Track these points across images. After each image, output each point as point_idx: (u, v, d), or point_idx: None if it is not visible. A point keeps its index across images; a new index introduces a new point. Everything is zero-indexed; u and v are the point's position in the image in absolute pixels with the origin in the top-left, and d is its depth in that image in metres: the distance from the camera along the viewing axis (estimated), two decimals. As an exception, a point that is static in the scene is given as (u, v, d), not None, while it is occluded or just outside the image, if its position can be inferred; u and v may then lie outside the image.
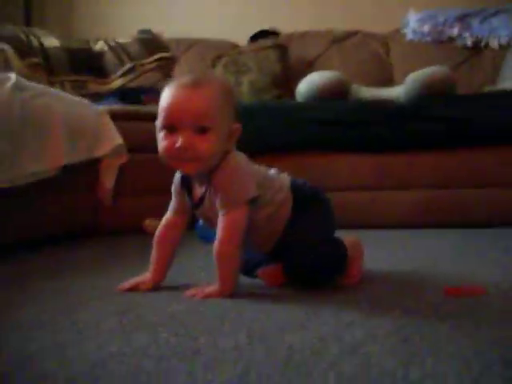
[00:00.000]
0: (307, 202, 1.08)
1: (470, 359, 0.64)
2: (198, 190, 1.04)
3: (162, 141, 0.97)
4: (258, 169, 1.07)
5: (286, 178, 1.11)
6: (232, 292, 1.00)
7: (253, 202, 1.00)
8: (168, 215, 1.11)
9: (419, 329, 0.77)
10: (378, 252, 1.49)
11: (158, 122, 0.98)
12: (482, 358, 0.65)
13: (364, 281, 1.12)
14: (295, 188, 1.09)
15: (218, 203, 0.99)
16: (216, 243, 1.00)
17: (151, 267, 1.10)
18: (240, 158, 1.03)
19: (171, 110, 0.95)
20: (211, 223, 1.06)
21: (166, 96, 0.97)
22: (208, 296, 0.99)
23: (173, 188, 1.10)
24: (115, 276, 1.25)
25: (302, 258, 1.04)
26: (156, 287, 1.08)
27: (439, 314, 0.85)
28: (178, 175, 1.09)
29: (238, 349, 0.70)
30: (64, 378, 0.62)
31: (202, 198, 1.03)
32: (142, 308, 0.94)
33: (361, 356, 0.67)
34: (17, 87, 1.72)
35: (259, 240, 1.07)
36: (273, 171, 1.12)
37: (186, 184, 1.06)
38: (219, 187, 0.99)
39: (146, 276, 1.09)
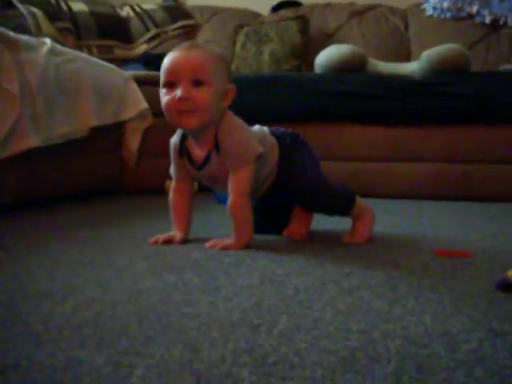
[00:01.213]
0: (290, 144, 1.23)
1: (444, 303, 0.77)
2: (199, 154, 1.16)
3: (164, 98, 1.09)
4: (249, 127, 1.19)
5: (265, 128, 1.24)
6: (247, 244, 1.13)
7: (259, 157, 1.13)
8: (174, 182, 1.24)
9: (407, 280, 0.90)
10: (383, 218, 1.61)
11: (160, 81, 1.10)
12: (454, 303, 0.77)
13: (367, 240, 1.24)
14: (275, 134, 1.23)
15: (227, 163, 1.12)
16: (230, 197, 1.12)
17: (174, 227, 1.23)
18: (238, 120, 1.15)
19: (171, 67, 1.08)
20: (216, 181, 1.18)
21: (167, 58, 1.10)
22: (226, 247, 1.12)
23: (171, 155, 1.22)
24: (140, 228, 1.40)
25: (308, 187, 1.19)
26: (184, 242, 1.21)
27: (427, 270, 0.98)
28: (173, 140, 1.20)
29: (251, 287, 0.84)
30: (109, 303, 0.76)
31: (206, 159, 1.14)
32: (168, 255, 1.08)
33: (354, 297, 0.79)
34: (52, 52, 1.84)
35: (257, 184, 1.20)
36: (256, 126, 1.24)
37: (183, 151, 1.18)
38: (228, 151, 1.11)
39: (174, 233, 1.22)
